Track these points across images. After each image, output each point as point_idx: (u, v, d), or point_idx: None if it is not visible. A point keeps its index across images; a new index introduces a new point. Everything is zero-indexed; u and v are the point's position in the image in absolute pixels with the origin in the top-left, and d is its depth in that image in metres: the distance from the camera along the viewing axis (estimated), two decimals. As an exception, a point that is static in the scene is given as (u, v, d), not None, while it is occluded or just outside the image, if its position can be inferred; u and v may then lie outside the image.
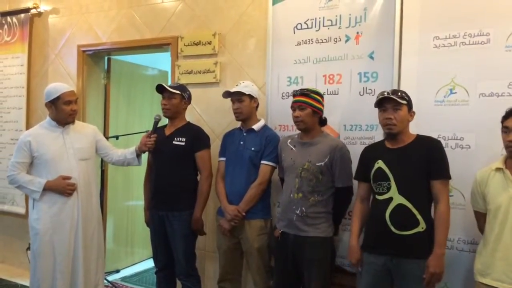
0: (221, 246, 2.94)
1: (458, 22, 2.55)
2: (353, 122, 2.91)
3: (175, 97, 2.99)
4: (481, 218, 2.26)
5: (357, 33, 2.88)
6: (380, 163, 2.35)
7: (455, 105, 2.56)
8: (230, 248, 2.90)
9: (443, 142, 2.54)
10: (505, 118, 2.09)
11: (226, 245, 2.91)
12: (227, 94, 2.92)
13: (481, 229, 2.28)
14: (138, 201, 4.19)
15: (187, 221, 2.94)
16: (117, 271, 4.34)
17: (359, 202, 2.51)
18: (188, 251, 2.99)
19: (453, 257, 2.54)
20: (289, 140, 2.75)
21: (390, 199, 2.28)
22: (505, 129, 2.08)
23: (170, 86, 3.01)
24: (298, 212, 2.57)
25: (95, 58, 4.21)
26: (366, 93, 2.85)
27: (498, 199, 2.10)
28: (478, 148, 2.48)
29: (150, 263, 4.23)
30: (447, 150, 2.49)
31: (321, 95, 2.67)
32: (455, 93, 2.56)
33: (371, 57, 2.83)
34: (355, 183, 2.61)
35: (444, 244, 2.22)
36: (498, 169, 2.14)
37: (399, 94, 2.33)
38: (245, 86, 2.88)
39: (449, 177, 2.28)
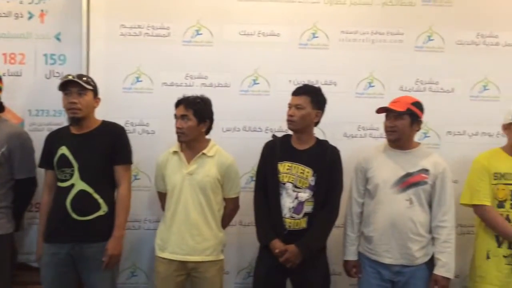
0: None
1: (143, 13, 2.67)
2: (39, 107, 2.71)
3: None
4: (163, 198, 2.43)
5: (42, 11, 2.68)
6: (63, 149, 2.27)
7: (141, 92, 2.69)
8: None
9: (131, 128, 2.67)
10: (176, 106, 2.31)
11: None
12: None
13: (164, 208, 2.47)
14: None
15: None
16: None
17: (46, 191, 2.37)
18: None
19: (140, 237, 2.69)
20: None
21: (72, 185, 2.24)
22: (175, 117, 2.30)
23: None
24: (-34, 210, 2.21)
25: None
26: (54, 76, 2.70)
27: (174, 179, 2.30)
28: (161, 133, 2.68)
29: None
30: (135, 136, 2.63)
31: (-2, 77, 2.37)
32: (141, 81, 2.68)
33: (58, 39, 2.70)
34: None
35: (123, 226, 2.31)
36: (175, 152, 2.35)
37: (85, 79, 2.29)
38: None
39: (130, 162, 2.39)
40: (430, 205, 2.24)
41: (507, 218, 2.27)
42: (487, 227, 2.32)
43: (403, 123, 2.23)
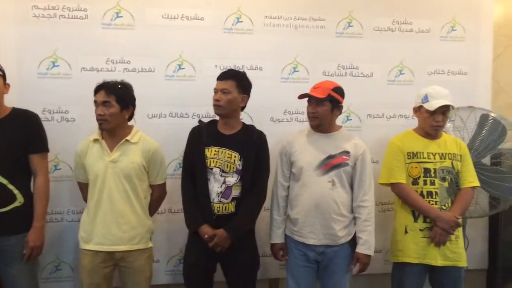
0: None
1: (55, -7, 2.53)
2: None
3: None
4: (84, 188, 2.34)
5: None
6: None
7: (58, 78, 2.55)
8: None
9: (49, 116, 2.55)
10: (95, 92, 2.22)
11: None
12: None
13: (86, 199, 2.37)
14: None
15: None
16: None
17: None
18: None
19: (64, 229, 2.59)
20: None
21: None
22: (95, 103, 2.21)
23: None
24: None
25: None
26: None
27: (96, 168, 2.22)
28: (82, 120, 2.56)
29: None
30: (53, 124, 2.52)
31: None
32: (58, 66, 2.54)
33: (-39, 20, 2.47)
34: None
35: (43, 216, 2.23)
36: (95, 140, 2.26)
37: None
38: None
39: (46, 150, 2.29)
40: (351, 186, 2.34)
41: (421, 194, 2.42)
42: (404, 204, 2.46)
43: (324, 109, 2.28)
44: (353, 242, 2.33)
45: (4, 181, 2.14)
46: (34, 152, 2.22)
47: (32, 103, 2.41)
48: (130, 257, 2.23)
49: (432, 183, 2.42)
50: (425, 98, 2.42)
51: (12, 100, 2.28)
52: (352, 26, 2.82)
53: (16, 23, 2.48)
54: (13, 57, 2.46)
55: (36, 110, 2.34)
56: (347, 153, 2.31)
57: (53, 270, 2.60)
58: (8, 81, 2.23)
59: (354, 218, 2.34)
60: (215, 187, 2.27)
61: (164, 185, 2.40)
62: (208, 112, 2.61)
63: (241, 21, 2.70)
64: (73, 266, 2.59)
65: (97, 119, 2.19)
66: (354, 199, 2.33)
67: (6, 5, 2.46)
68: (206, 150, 2.29)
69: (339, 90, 2.33)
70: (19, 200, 2.17)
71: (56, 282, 2.61)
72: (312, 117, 2.32)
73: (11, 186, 2.15)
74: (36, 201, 2.21)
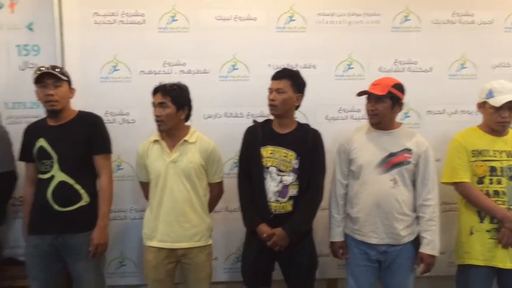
0: None
1: (116, 0, 2.61)
2: (15, 99, 2.66)
3: None
4: (145, 187, 2.42)
5: (12, 0, 2.61)
6: (41, 142, 2.25)
7: (119, 81, 2.65)
8: None
9: (111, 118, 2.65)
10: (153, 94, 2.29)
11: None
12: None
13: (147, 197, 2.45)
14: None
15: None
16: None
17: (28, 184, 2.35)
18: None
19: (127, 227, 2.69)
20: None
21: (52, 177, 2.23)
22: (153, 105, 2.27)
23: None
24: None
25: None
26: (28, 67, 2.63)
27: (157, 168, 2.28)
28: (142, 122, 2.64)
29: None
30: (115, 126, 2.62)
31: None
32: (118, 70, 2.64)
33: (30, 29, 2.63)
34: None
35: (106, 215, 2.30)
36: (155, 141, 2.33)
37: (58, 70, 2.26)
38: None
39: (109, 152, 2.37)
40: (413, 184, 2.27)
41: (487, 194, 2.31)
42: (469, 204, 2.36)
43: (384, 106, 2.23)
44: (417, 242, 2.26)
45: (71, 181, 2.24)
46: (98, 153, 2.31)
47: (95, 106, 2.51)
48: (191, 254, 2.28)
49: (499, 182, 2.30)
50: (490, 94, 2.30)
51: (77, 104, 2.39)
52: (409, 19, 2.73)
53: (79, 30, 2.60)
54: (77, 63, 2.58)
55: (99, 113, 2.44)
56: (408, 150, 2.24)
57: (118, 266, 2.71)
58: (73, 86, 2.34)
59: (417, 217, 2.27)
60: (271, 186, 2.27)
61: (221, 183, 2.43)
62: (262, 112, 2.61)
63: (294, 20, 2.68)
64: (136, 262, 2.69)
65: (155, 120, 2.26)
66: (417, 198, 2.26)
67: (70, 13, 2.58)
68: (262, 150, 2.29)
69: (399, 87, 2.26)
70: (85, 199, 2.26)
71: (121, 277, 2.72)
72: (371, 114, 2.27)
73: (77, 186, 2.25)
74: (100, 200, 2.29)
